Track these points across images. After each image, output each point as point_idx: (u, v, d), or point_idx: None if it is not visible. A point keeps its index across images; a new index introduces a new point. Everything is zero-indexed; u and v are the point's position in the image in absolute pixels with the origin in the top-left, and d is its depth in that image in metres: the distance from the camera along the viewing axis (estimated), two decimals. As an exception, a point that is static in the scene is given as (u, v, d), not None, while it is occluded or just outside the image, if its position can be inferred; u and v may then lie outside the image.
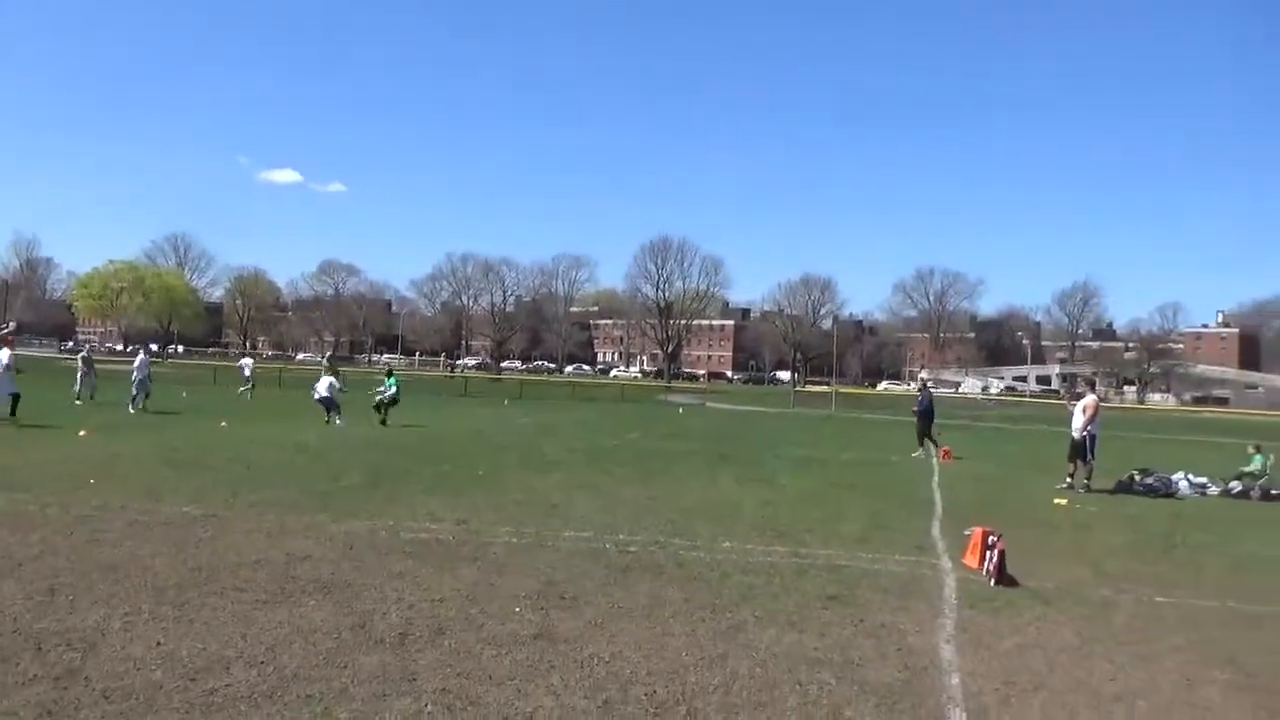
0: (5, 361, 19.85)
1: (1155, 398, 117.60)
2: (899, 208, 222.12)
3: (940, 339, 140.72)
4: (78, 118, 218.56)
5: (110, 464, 13.31)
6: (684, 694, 5.10)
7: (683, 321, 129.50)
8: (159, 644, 5.46)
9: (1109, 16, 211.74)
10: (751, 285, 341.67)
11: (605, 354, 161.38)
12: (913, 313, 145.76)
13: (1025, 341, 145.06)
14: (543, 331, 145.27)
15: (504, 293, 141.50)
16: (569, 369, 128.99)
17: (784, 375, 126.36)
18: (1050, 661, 6.05)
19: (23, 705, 4.47)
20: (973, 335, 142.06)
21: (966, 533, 9.62)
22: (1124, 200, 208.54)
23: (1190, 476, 16.92)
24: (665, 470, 16.14)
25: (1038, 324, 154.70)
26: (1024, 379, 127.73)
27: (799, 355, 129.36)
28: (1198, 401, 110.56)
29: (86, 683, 4.81)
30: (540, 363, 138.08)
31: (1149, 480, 16.25)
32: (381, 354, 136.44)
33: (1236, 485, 16.55)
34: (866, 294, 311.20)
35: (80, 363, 28.54)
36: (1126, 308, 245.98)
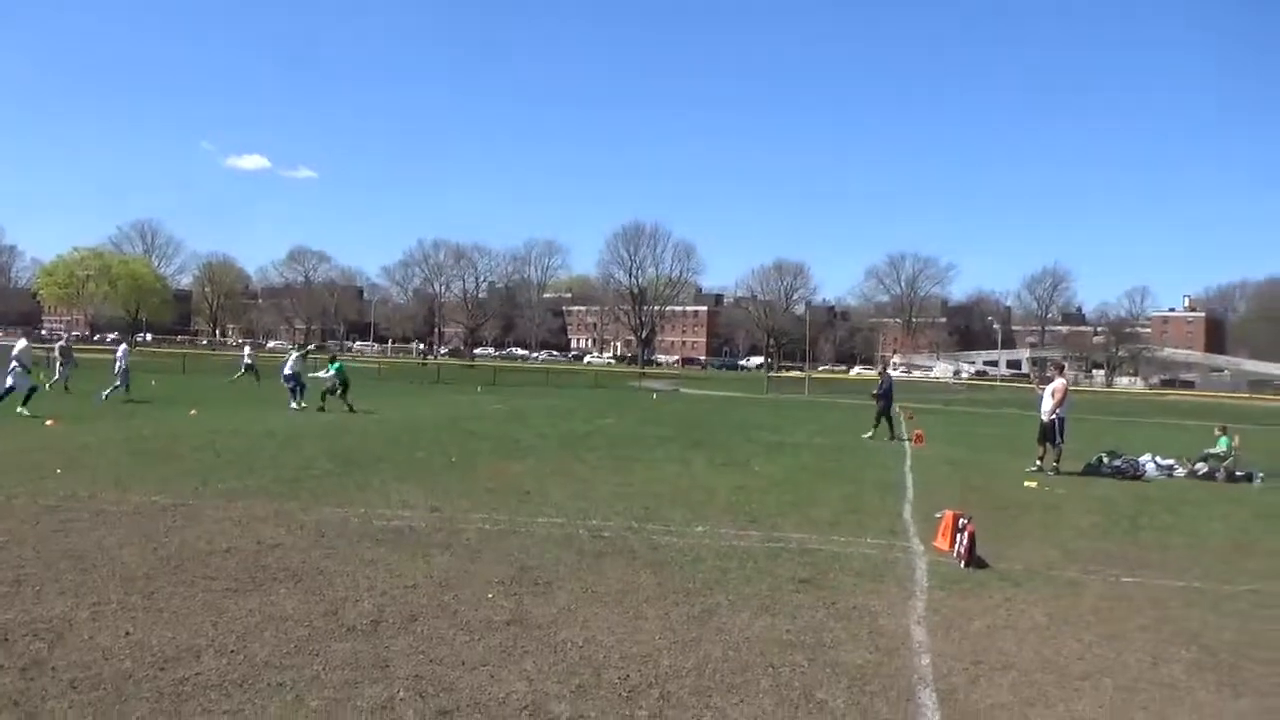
0: (16, 354, 19.70)
1: (1123, 381, 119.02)
2: (871, 194, 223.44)
3: (912, 324, 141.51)
4: (39, 102, 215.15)
5: (78, 453, 13.15)
6: (657, 678, 5.12)
7: (656, 307, 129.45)
8: (128, 633, 5.41)
9: (1076, 3, 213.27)
10: (725, 271, 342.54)
11: (579, 340, 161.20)
12: (885, 298, 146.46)
13: (996, 326, 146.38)
14: (516, 318, 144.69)
15: (476, 279, 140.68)
16: (540, 355, 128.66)
17: (755, 361, 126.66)
18: (1019, 641, 6.11)
19: (-12, 696, 4.41)
20: (944, 320, 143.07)
21: (937, 515, 9.71)
22: (1093, 186, 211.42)
23: (1157, 459, 17.14)
24: (639, 456, 16.15)
25: (1008, 309, 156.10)
26: (995, 363, 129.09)
27: (772, 341, 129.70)
28: (1165, 384, 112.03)
29: (53, 673, 4.75)
30: (513, 349, 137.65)
31: (1117, 462, 16.44)
32: (354, 340, 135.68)
33: (1202, 467, 16.77)
34: (839, 279, 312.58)
35: (58, 352, 28.06)
36: (1095, 292, 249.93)
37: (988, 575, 7.95)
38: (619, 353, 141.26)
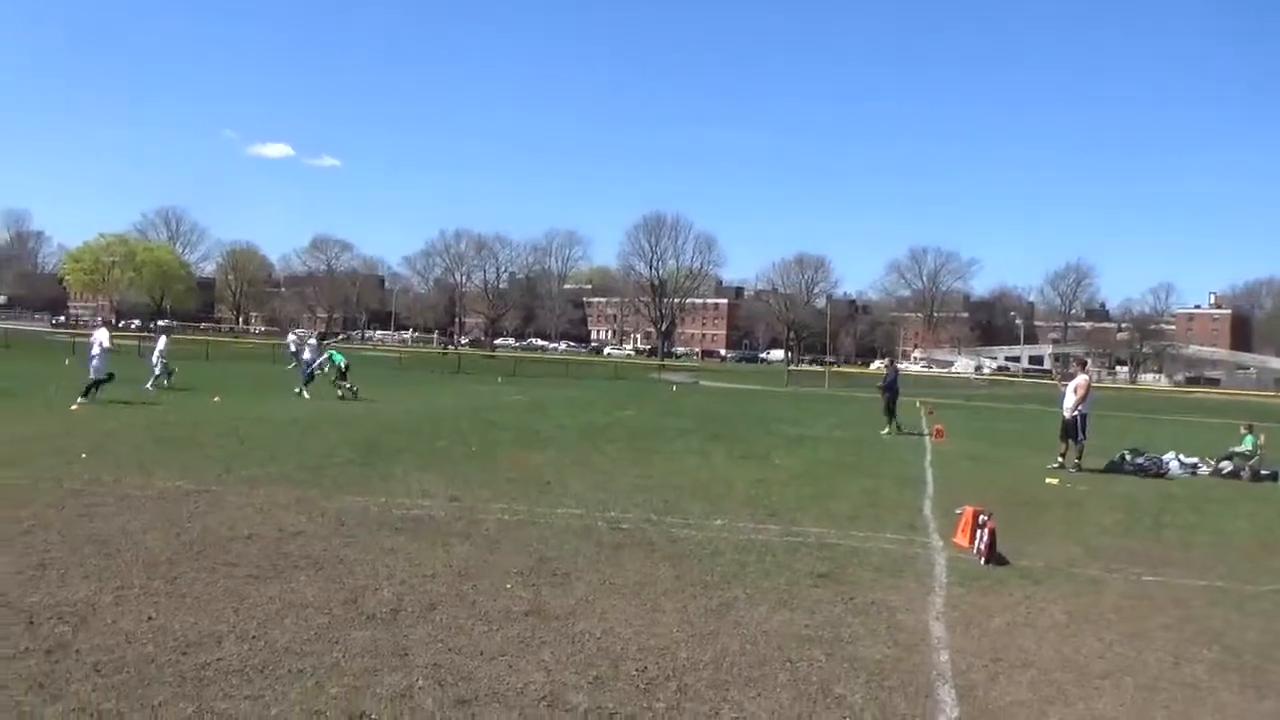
0: (105, 344, 19.98)
1: (1147, 378, 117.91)
2: (893, 187, 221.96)
3: (933, 318, 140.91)
4: (68, 90, 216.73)
5: (103, 438, 13.27)
6: (675, 670, 5.12)
7: (676, 300, 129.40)
8: (150, 618, 5.46)
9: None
10: (745, 264, 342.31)
11: (599, 332, 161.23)
12: (906, 292, 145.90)
13: (1018, 321, 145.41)
14: (536, 309, 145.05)
15: (497, 269, 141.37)
16: (560, 346, 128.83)
17: (776, 354, 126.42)
18: (1039, 639, 6.08)
19: (14, 678, 4.46)
20: (966, 315, 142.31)
21: (957, 511, 9.66)
22: (1117, 181, 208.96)
23: (1181, 457, 16.99)
24: (658, 448, 16.16)
25: (1031, 304, 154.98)
26: (1017, 359, 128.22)
27: (793, 334, 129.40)
28: (1189, 382, 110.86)
29: (78, 656, 4.81)
30: (533, 340, 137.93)
31: (1140, 460, 16.30)
32: (375, 329, 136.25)
33: (1227, 465, 16.62)
34: (860, 273, 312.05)
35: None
36: (1119, 288, 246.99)
37: (1008, 572, 7.91)
38: (638, 345, 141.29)
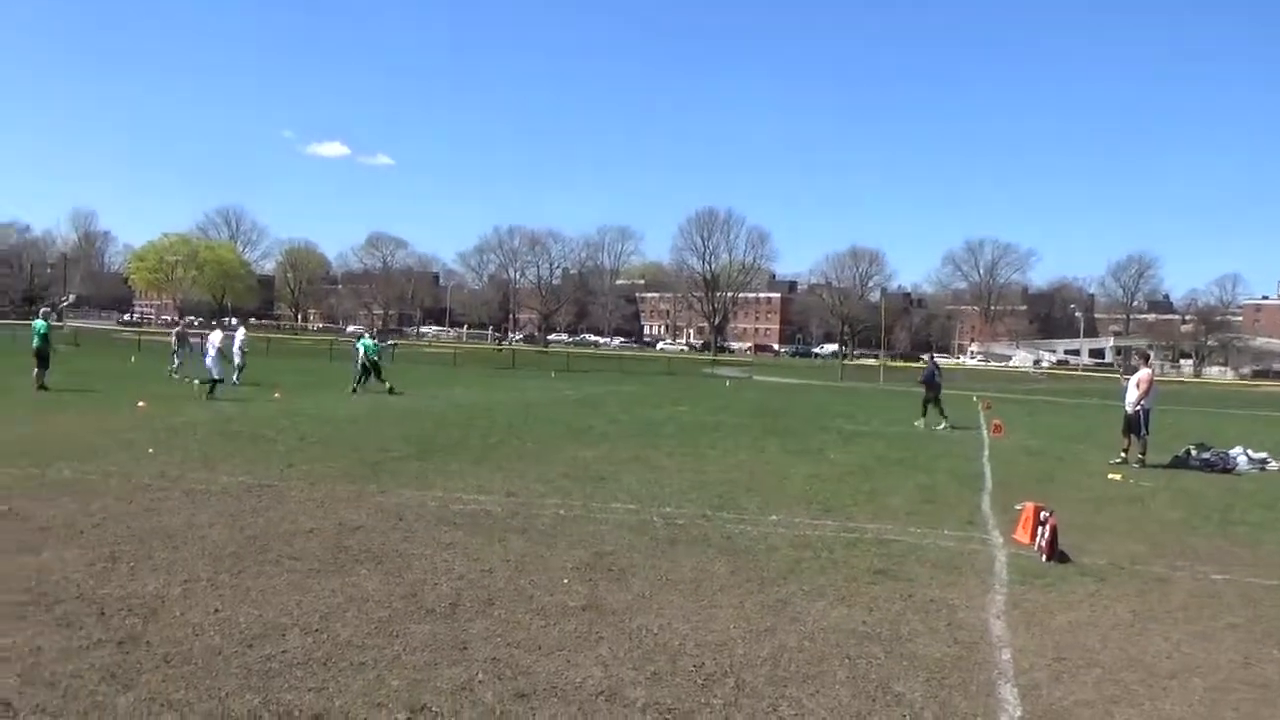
0: (218, 345, 21.35)
1: (1213, 371, 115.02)
2: (949, 178, 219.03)
3: (991, 311, 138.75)
4: (133, 93, 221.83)
5: (168, 435, 13.59)
6: (732, 666, 5.11)
7: (729, 294, 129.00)
8: (217, 610, 5.58)
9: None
10: (799, 258, 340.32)
11: (652, 327, 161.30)
12: (962, 285, 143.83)
13: (1078, 314, 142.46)
14: (589, 304, 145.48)
15: (550, 265, 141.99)
16: (613, 341, 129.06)
17: (829, 348, 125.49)
18: (1104, 638, 5.97)
19: (88, 668, 4.59)
20: (1024, 307, 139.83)
21: (1018, 507, 9.52)
22: (1182, 169, 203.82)
23: (1249, 452, 16.55)
24: (712, 443, 16.13)
25: (1091, 296, 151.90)
26: (1077, 352, 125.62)
27: (846, 328, 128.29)
28: (1257, 375, 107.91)
29: (148, 647, 4.93)
30: (586, 335, 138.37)
31: (1206, 455, 15.93)
32: (429, 325, 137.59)
33: (1297, 461, 16.16)
34: (915, 266, 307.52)
35: (174, 340, 28.76)
36: (1183, 279, 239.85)
37: (1070, 570, 7.77)
38: (691, 340, 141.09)
